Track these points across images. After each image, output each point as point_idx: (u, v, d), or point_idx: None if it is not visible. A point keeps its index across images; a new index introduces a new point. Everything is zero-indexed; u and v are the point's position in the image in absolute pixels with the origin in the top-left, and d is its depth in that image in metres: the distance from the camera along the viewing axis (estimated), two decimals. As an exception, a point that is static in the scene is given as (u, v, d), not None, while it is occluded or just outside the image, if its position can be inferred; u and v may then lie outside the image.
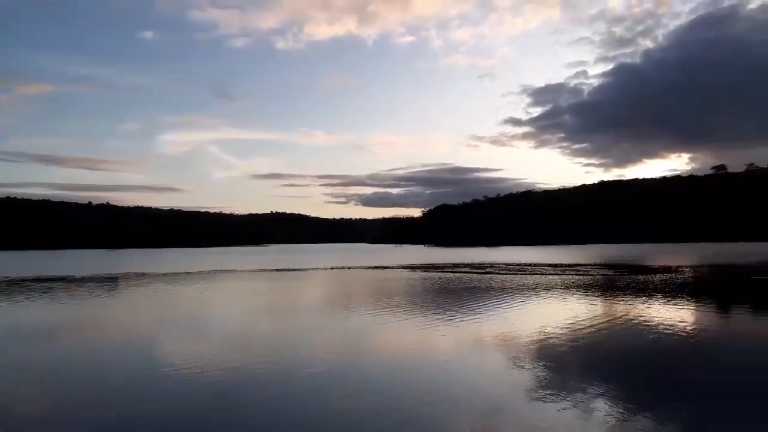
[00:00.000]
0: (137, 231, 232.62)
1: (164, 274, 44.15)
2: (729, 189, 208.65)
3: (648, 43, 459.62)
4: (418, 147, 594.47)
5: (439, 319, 18.04)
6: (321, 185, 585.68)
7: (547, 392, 9.50)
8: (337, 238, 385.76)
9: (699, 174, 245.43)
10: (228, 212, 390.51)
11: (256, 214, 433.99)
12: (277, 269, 51.52)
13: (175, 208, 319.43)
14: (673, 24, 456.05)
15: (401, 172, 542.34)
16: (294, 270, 49.99)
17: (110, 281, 37.22)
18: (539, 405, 8.85)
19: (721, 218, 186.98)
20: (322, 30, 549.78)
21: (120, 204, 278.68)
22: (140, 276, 42.53)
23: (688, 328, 15.85)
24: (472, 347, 13.53)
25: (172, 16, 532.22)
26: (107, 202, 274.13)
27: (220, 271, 49.18)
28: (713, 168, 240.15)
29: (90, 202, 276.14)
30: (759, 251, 79.72)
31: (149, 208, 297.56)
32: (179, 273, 46.11)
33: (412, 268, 51.18)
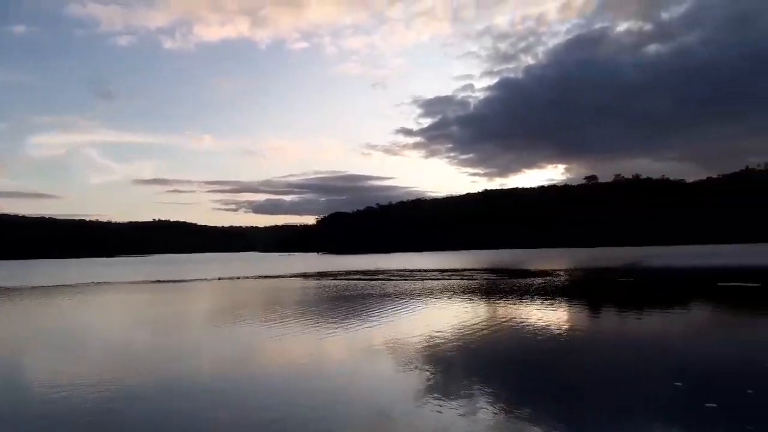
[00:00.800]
0: (4, 241, 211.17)
1: (35, 288, 40.32)
2: (599, 197, 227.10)
3: (529, 60, 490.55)
4: (311, 154, 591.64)
5: (331, 327, 17.96)
6: (209, 191, 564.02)
7: (435, 395, 9.72)
8: (227, 247, 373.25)
9: (573, 183, 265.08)
10: (106, 220, 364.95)
11: (138, 222, 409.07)
12: (159, 281, 48.84)
13: (47, 216, 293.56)
14: (552, 42, 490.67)
15: (294, 179, 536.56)
16: (178, 281, 47.64)
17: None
18: (427, 408, 9.02)
19: (592, 225, 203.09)
20: (212, 31, 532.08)
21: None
22: (8, 290, 38.51)
23: (564, 327, 16.97)
24: (363, 354, 13.57)
25: (47, 10, 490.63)
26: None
27: (98, 283, 45.76)
28: (586, 178, 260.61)
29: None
30: (625, 255, 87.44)
31: (18, 216, 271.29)
32: (52, 286, 42.32)
33: (305, 276, 50.68)
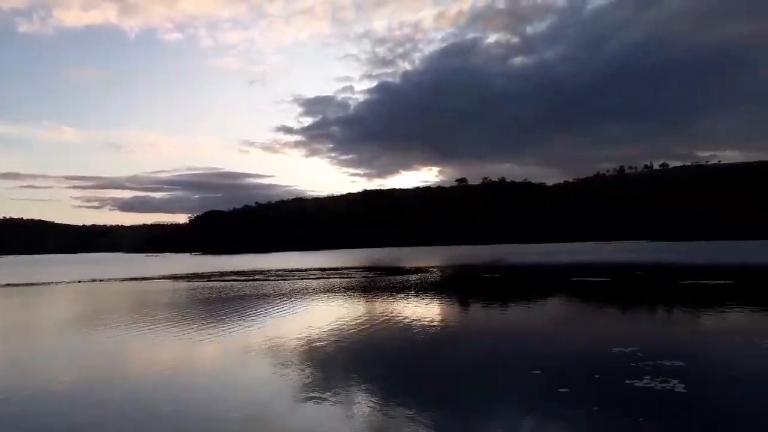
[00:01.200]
0: None
1: None
2: (469, 198, 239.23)
3: (406, 66, 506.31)
4: (185, 149, 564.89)
5: (205, 331, 17.33)
6: (69, 188, 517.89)
7: (314, 394, 9.76)
8: (89, 248, 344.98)
9: (445, 185, 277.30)
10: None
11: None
12: (9, 284, 44.08)
13: None
14: (428, 50, 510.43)
15: (166, 176, 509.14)
16: (33, 285, 43.30)
17: None
18: (304, 408, 9.04)
19: (463, 224, 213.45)
20: (74, 16, 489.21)
21: None
22: None
23: (436, 321, 17.75)
24: (238, 356, 13.26)
25: None
26: None
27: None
28: (457, 180, 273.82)
29: None
30: (492, 253, 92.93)
31: None
32: None
33: (176, 278, 48.30)
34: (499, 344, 14.20)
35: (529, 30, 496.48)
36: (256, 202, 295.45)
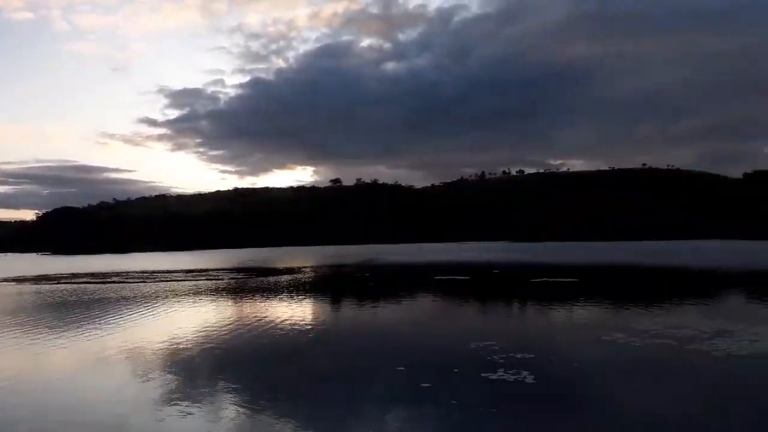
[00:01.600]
0: None
1: None
2: (343, 199, 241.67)
3: (281, 62, 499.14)
4: (33, 139, 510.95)
5: (53, 338, 15.94)
6: None
7: (179, 401, 9.43)
8: None
9: (320, 186, 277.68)
10: None
11: None
12: None
13: None
14: (303, 48, 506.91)
15: (11, 167, 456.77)
16: None
17: None
18: (167, 415, 8.72)
19: (337, 224, 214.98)
20: None
21: None
22: None
23: (308, 322, 17.82)
24: (94, 364, 12.40)
25: None
26: None
27: None
28: (331, 181, 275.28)
29: None
30: (364, 252, 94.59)
31: None
32: None
33: (20, 281, 43.71)
34: (366, 343, 14.62)
35: (401, 36, 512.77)
36: (114, 199, 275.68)
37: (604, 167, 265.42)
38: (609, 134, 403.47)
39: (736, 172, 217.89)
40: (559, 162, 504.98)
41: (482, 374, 10.66)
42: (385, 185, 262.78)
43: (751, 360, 11.48)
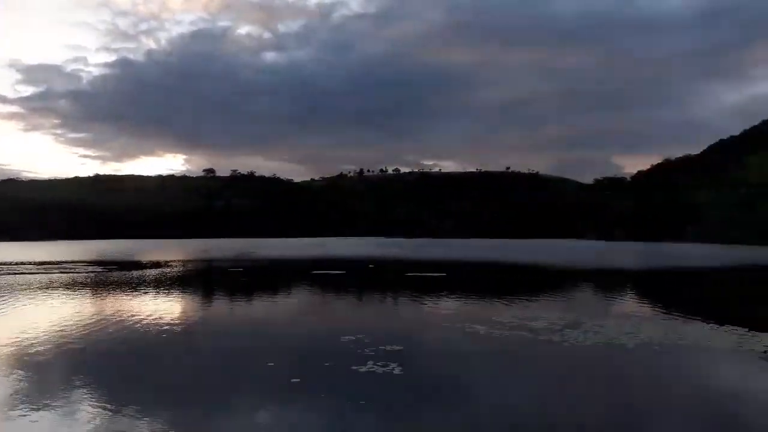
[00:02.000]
0: None
1: None
2: (217, 190, 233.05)
3: (151, 44, 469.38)
4: None
5: None
6: None
7: (26, 404, 8.67)
8: None
9: (192, 175, 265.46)
10: None
11: None
12: None
13: None
14: (176, 31, 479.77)
15: None
16: None
17: None
18: (12, 420, 8.00)
19: (207, 216, 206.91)
20: None
21: None
22: None
23: (176, 319, 17.08)
24: None
25: None
26: None
27: None
28: (204, 170, 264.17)
29: None
30: (234, 246, 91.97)
31: None
32: None
33: None
34: (235, 340, 14.33)
35: (281, 28, 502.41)
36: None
37: (471, 169, 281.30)
38: (478, 138, 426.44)
39: (588, 178, 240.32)
40: (432, 162, 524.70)
41: (352, 367, 10.92)
42: (263, 177, 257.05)
43: (595, 348, 12.83)
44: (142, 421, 8.02)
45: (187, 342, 13.86)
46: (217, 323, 16.97)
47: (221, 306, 21.24)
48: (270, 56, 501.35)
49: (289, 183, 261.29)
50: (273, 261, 51.91)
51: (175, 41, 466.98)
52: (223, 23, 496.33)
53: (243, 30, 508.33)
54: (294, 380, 10.16)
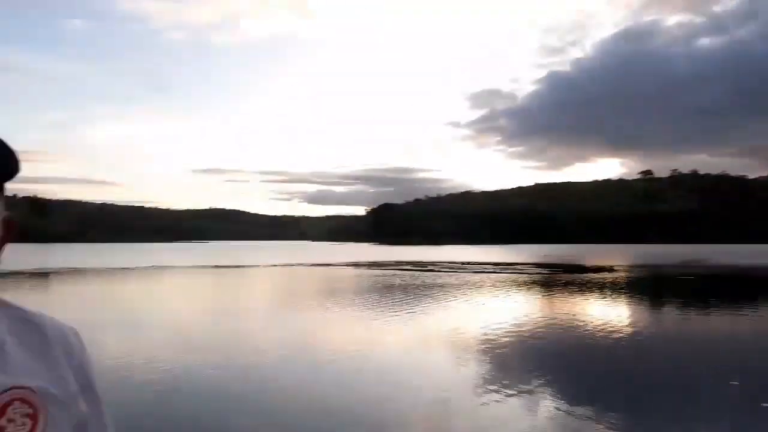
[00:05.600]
0: (65, 225, 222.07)
1: (100, 270, 42.36)
2: (657, 193, 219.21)
3: (578, 53, 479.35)
4: (361, 146, 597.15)
5: (386, 316, 18.17)
6: (263, 181, 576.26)
7: (495, 388, 9.75)
8: (280, 236, 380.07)
9: (628, 178, 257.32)
10: (164, 207, 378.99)
11: (195, 209, 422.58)
12: (218, 266, 50.39)
13: (108, 202, 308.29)
14: (600, 35, 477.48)
15: (344, 170, 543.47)
16: (237, 267, 49.05)
17: (41, 276, 35.39)
18: (487, 400, 9.09)
19: (647, 220, 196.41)
20: (258, 24, 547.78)
21: (46, 197, 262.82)
22: (77, 271, 40.67)
23: (626, 325, 16.64)
24: (420, 343, 13.73)
25: (101, 6, 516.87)
26: (34, 195, 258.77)
27: (158, 267, 47.63)
28: (640, 173, 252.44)
29: (15, 195, 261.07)
30: (682, 252, 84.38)
31: (81, 202, 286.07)
32: (116, 268, 44.37)
33: (357, 265, 51.29)
34: (688, 351, 12.91)
35: (716, 9, 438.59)
36: (426, 196, 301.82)
37: None
38: None
39: None
40: None
41: None
42: (707, 175, 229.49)
43: None
44: (595, 422, 7.98)
45: (637, 349, 13.25)
46: (667, 332, 15.74)
47: (671, 314, 19.65)
48: (705, 42, 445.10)
49: (740, 180, 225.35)
50: (732, 269, 45.37)
51: (601, 46, 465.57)
52: (649, 17, 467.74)
53: (672, 20, 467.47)
54: (765, 404, 8.48)
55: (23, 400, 0.78)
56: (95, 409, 0.92)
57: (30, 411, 0.78)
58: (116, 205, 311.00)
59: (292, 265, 52.50)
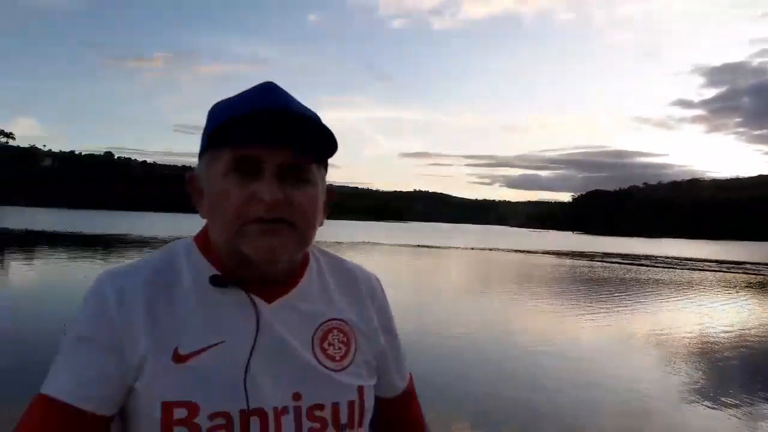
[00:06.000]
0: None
1: (319, 242, 46.56)
2: None
3: None
4: (573, 128, 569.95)
5: (585, 310, 17.27)
6: (466, 165, 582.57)
7: (704, 396, 8.73)
8: (479, 220, 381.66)
9: None
10: (374, 188, 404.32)
11: (400, 191, 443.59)
12: (420, 245, 52.41)
13: (332, 183, 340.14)
14: None
15: (553, 154, 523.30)
16: (436, 247, 50.51)
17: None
18: (691, 408, 8.17)
19: None
20: (478, 9, 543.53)
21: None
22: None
23: None
24: (621, 342, 12.79)
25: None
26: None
27: (366, 243, 51.06)
28: None
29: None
30: None
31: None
32: (330, 242, 48.48)
33: (559, 254, 49.30)
34: None
35: None
36: (644, 183, 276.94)
37: None
38: None
39: None
40: None
41: None
42: None
43: None
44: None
45: None
46: None
47: None
48: None
49: None
50: None
51: None
52: None
53: None
54: None
55: (340, 330, 1.01)
56: (393, 343, 1.13)
57: (344, 338, 1.01)
58: (335, 185, 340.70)
59: (490, 249, 52.35)
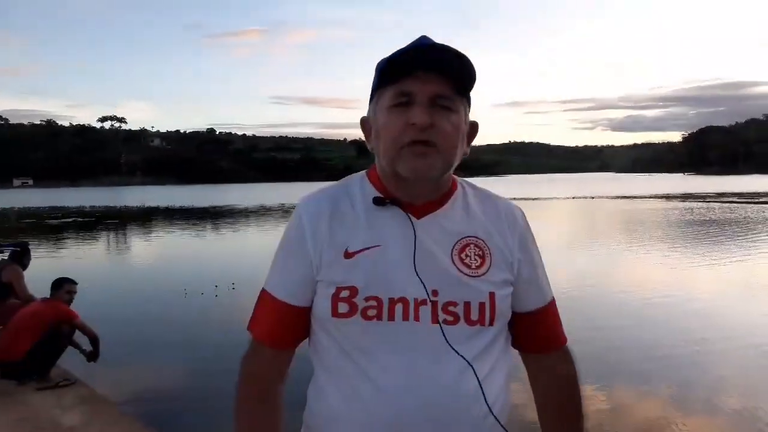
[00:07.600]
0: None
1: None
2: None
3: None
4: (681, 60, 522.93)
5: (697, 255, 16.28)
6: (565, 110, 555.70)
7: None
8: (579, 168, 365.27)
9: None
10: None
11: (493, 144, 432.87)
12: (514, 198, 51.11)
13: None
14: None
15: (660, 91, 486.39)
16: (533, 199, 49.15)
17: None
18: None
19: None
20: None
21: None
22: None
23: None
24: (737, 289, 11.99)
25: None
26: (359, 138, 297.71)
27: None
28: None
29: (345, 139, 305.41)
30: None
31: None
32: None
33: (668, 198, 46.45)
34: None
35: None
36: (764, 114, 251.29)
37: None
38: None
39: None
40: None
41: None
42: None
43: None
44: None
45: None
46: None
47: None
48: None
49: None
50: None
51: None
52: None
53: None
54: None
55: (476, 245, 1.21)
56: (531, 266, 1.27)
57: (480, 253, 1.20)
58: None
59: (592, 197, 50.20)
